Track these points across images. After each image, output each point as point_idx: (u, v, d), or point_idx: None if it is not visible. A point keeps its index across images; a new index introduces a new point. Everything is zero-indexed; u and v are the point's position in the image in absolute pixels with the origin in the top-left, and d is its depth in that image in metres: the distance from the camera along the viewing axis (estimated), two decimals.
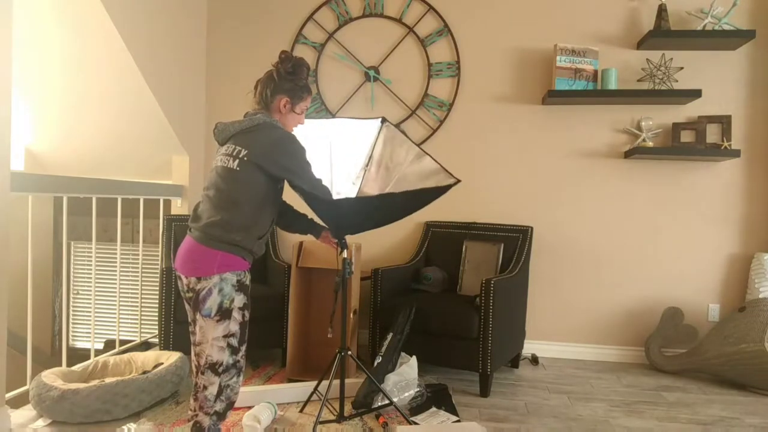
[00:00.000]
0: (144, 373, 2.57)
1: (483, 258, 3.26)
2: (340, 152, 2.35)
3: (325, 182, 2.02)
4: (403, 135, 2.29)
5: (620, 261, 3.45)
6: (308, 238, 3.03)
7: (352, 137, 2.34)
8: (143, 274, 3.45)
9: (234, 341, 1.75)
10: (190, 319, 1.81)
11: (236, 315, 1.75)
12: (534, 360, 3.38)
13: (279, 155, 1.78)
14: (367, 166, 2.33)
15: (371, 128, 2.35)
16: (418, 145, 2.25)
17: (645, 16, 3.40)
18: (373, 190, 2.30)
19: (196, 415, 1.75)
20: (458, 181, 2.09)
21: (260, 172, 1.77)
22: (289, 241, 3.75)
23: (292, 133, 1.91)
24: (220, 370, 1.73)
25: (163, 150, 3.63)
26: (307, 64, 1.97)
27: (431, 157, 2.19)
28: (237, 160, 1.78)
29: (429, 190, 2.10)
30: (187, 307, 1.81)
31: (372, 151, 2.34)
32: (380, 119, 2.35)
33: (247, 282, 1.80)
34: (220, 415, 1.76)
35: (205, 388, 1.74)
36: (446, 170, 2.13)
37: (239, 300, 1.75)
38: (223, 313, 1.72)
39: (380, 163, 2.31)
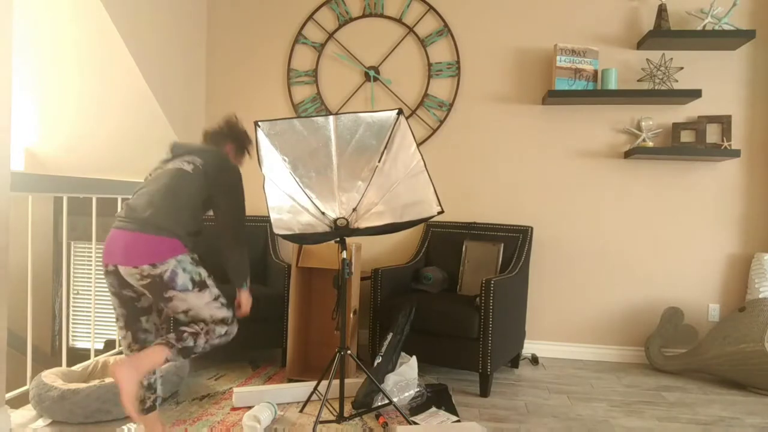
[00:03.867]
0: None
1: (483, 258, 3.26)
2: (349, 150, 2.23)
3: (325, 183, 1.99)
4: (412, 136, 2.18)
5: (620, 261, 3.45)
6: None
7: (365, 132, 2.21)
8: None
9: (223, 300, 1.98)
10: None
11: (209, 282, 1.96)
12: (534, 360, 3.38)
13: None
14: (379, 162, 2.23)
15: (386, 121, 2.19)
16: (420, 153, 2.18)
17: (645, 16, 3.40)
18: (376, 196, 2.25)
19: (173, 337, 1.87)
20: (441, 212, 2.11)
21: None
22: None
23: None
24: (229, 321, 1.97)
25: (163, 150, 3.63)
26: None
27: (428, 175, 2.14)
28: None
29: (409, 223, 2.13)
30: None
31: (385, 147, 2.22)
32: (396, 110, 2.20)
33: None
34: (193, 351, 1.89)
35: (213, 330, 1.93)
36: (437, 195, 2.13)
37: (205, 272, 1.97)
38: (200, 285, 1.92)
39: (388, 162, 2.22)
